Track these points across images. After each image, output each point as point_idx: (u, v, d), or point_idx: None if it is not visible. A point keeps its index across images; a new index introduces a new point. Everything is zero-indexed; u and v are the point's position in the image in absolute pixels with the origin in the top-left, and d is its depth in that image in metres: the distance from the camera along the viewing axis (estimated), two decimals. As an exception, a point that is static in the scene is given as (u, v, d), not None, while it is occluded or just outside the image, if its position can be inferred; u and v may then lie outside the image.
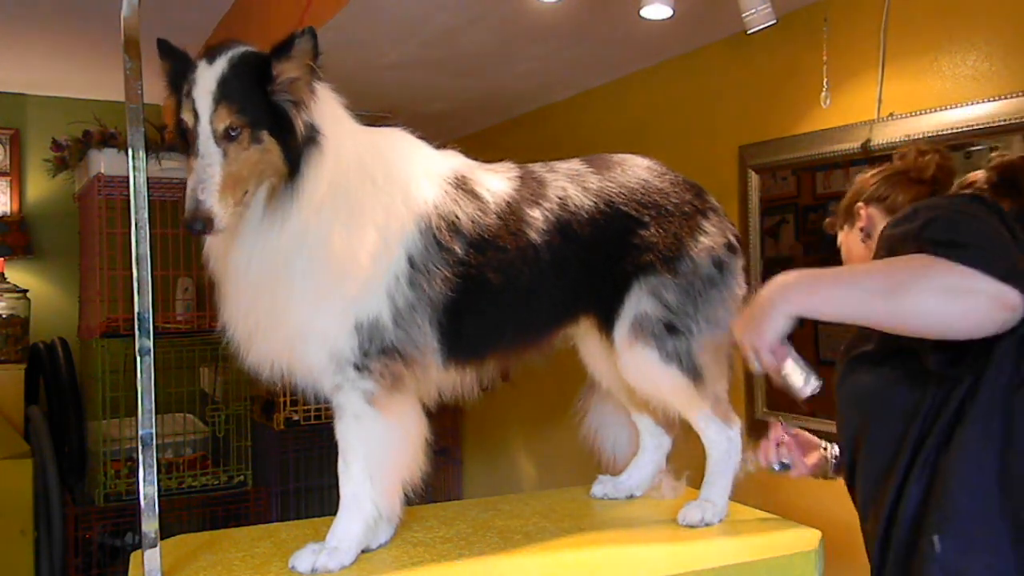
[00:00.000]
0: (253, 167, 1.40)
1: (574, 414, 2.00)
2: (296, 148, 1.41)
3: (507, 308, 1.61)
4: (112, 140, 3.36)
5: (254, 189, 1.42)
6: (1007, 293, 1.09)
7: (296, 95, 1.41)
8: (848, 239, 1.81)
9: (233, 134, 1.37)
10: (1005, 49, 2.15)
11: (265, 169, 1.41)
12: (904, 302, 1.15)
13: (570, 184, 1.68)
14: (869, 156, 2.36)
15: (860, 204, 1.76)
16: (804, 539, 1.63)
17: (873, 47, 2.33)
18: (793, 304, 1.24)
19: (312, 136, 1.43)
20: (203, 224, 1.34)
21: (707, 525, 1.69)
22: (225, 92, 1.37)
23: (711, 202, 1.77)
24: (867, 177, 1.80)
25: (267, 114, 1.39)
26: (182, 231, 3.32)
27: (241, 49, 1.43)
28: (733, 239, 1.75)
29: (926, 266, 1.14)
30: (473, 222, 1.57)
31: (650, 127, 3.31)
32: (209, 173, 1.35)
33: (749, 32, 2.21)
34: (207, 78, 1.38)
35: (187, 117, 1.39)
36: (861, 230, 1.75)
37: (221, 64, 1.40)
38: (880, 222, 1.73)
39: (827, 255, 2.44)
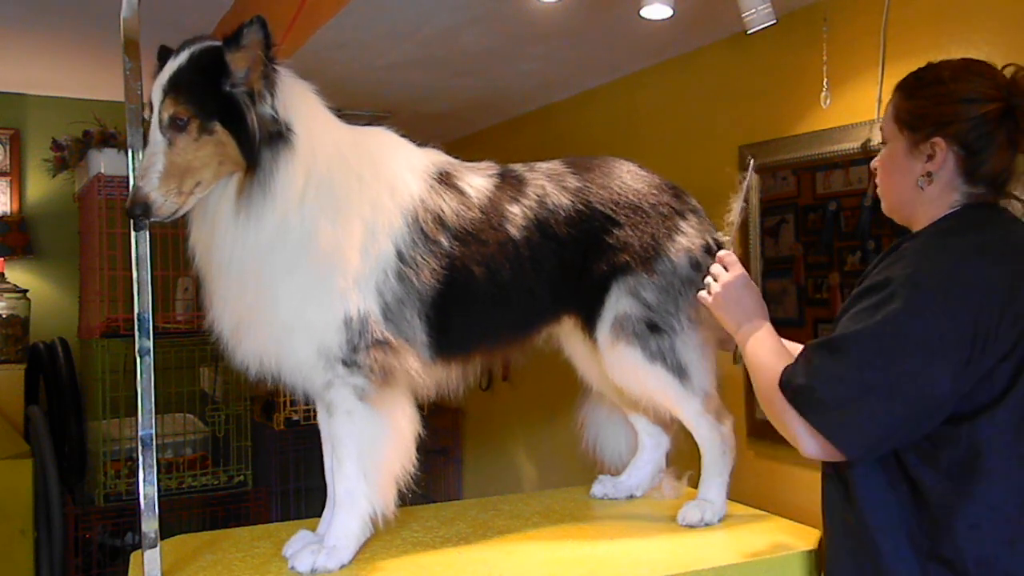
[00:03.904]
0: (205, 158, 1.40)
1: (575, 422, 2.00)
2: (252, 140, 1.41)
3: (490, 302, 1.62)
4: (112, 140, 3.35)
5: (210, 181, 1.43)
6: None
7: (251, 86, 1.42)
8: (893, 152, 1.36)
9: (180, 123, 1.38)
10: (1005, 49, 2.14)
11: (223, 161, 1.42)
12: None
13: (548, 183, 1.71)
14: (869, 156, 2.35)
15: (938, 139, 1.28)
16: (804, 539, 1.63)
17: (873, 47, 2.33)
18: None
19: (278, 130, 1.44)
20: (141, 209, 1.36)
21: (707, 525, 1.70)
22: (175, 83, 1.39)
23: (691, 203, 1.78)
24: (956, 88, 1.28)
25: (220, 105, 1.40)
26: (182, 231, 3.33)
27: (206, 43, 1.45)
28: (712, 242, 1.75)
29: None
30: (457, 215, 1.59)
31: (650, 127, 3.31)
32: (151, 161, 1.37)
33: (749, 32, 2.20)
34: (165, 71, 1.41)
35: (148, 110, 1.43)
36: (927, 175, 1.29)
37: (181, 58, 1.42)
38: (954, 179, 1.27)
39: (826, 256, 2.46)
